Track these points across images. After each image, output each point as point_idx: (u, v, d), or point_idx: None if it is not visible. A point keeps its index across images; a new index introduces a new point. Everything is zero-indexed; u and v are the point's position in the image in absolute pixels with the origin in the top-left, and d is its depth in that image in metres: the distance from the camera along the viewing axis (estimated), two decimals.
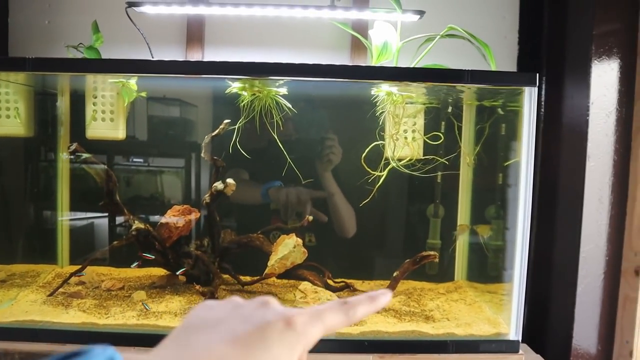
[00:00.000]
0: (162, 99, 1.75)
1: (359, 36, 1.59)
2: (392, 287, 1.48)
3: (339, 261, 1.73)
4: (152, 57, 1.65)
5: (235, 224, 1.72)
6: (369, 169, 1.50)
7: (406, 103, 1.50)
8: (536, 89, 1.29)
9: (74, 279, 1.51)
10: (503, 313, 1.42)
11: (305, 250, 1.50)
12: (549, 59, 1.62)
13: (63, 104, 1.65)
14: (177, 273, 1.52)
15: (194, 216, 1.55)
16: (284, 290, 1.58)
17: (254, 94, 1.47)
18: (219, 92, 1.55)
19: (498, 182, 1.58)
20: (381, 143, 1.51)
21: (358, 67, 1.50)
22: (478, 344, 1.33)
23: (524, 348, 1.40)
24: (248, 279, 1.56)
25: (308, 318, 0.45)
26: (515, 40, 1.76)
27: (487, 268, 1.64)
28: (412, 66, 1.46)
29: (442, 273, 1.72)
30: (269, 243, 1.57)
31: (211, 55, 1.75)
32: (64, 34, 1.72)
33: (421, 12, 1.54)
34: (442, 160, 1.57)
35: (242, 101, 1.48)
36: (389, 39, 1.43)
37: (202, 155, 1.50)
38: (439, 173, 1.64)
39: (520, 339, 1.34)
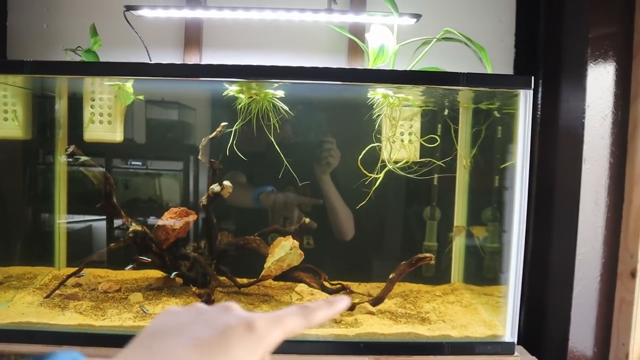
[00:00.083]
0: (160, 102, 1.76)
1: (355, 39, 1.59)
2: (388, 289, 1.48)
3: (336, 263, 1.73)
4: (150, 61, 1.65)
5: (232, 226, 1.73)
6: (365, 172, 1.50)
7: (403, 106, 1.50)
8: (531, 91, 1.30)
9: (70, 281, 1.51)
10: (499, 315, 1.42)
11: (302, 253, 1.50)
12: (545, 62, 1.63)
13: (61, 107, 1.65)
14: (171, 276, 1.52)
15: (191, 218, 1.55)
16: (281, 292, 1.58)
17: (251, 97, 1.47)
18: (217, 95, 1.56)
19: (494, 184, 1.58)
20: (378, 145, 1.51)
21: (354, 70, 1.51)
22: (474, 346, 1.33)
23: (519, 350, 1.40)
24: (245, 281, 1.56)
25: (268, 322, 0.47)
26: (512, 44, 1.76)
27: (484, 270, 1.64)
28: (408, 69, 1.46)
29: (439, 275, 1.72)
30: (265, 245, 1.57)
31: (209, 58, 1.76)
32: (62, 38, 1.72)
33: (418, 16, 1.55)
34: (439, 162, 1.58)
35: (239, 104, 1.49)
36: (386, 42, 1.43)
37: (200, 157, 1.50)
38: (436, 175, 1.64)
39: (515, 340, 1.35)
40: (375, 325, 1.38)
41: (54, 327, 1.32)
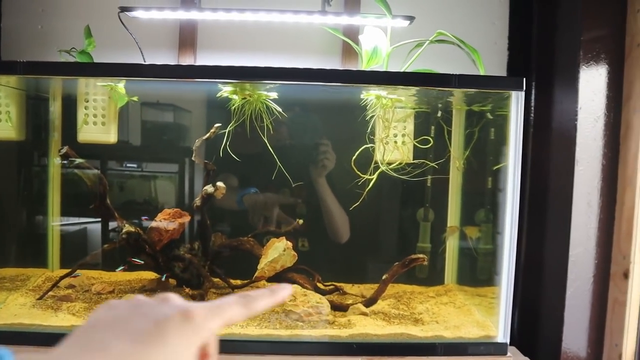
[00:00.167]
0: (154, 103, 1.76)
1: (349, 41, 1.60)
2: (381, 290, 1.48)
3: (329, 264, 1.73)
4: (144, 62, 1.65)
5: (227, 227, 1.73)
6: (359, 173, 1.51)
7: (396, 107, 1.51)
8: (523, 93, 1.30)
9: (63, 282, 1.51)
10: (492, 316, 1.42)
11: (295, 254, 1.50)
12: (538, 65, 1.63)
13: (55, 108, 1.65)
14: (163, 279, 1.52)
15: (184, 219, 1.55)
16: None
17: (245, 98, 1.48)
18: (211, 97, 1.56)
19: (487, 186, 1.59)
20: (371, 146, 1.51)
21: (347, 72, 1.51)
22: (466, 347, 1.33)
23: (512, 351, 1.41)
24: (238, 282, 1.56)
25: (207, 311, 0.46)
26: (505, 46, 1.77)
27: (477, 271, 1.64)
28: (401, 71, 1.47)
29: (432, 276, 1.72)
30: (259, 246, 1.57)
31: (203, 60, 1.76)
32: (57, 39, 1.72)
33: (411, 18, 1.55)
34: (432, 164, 1.58)
35: (233, 105, 1.49)
36: (379, 44, 1.44)
37: (193, 158, 1.50)
38: (429, 177, 1.65)
39: (508, 341, 1.35)
40: (368, 326, 1.38)
41: (46, 328, 1.31)
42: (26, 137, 1.62)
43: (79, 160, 1.46)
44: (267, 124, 1.49)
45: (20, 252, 1.77)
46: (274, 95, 1.47)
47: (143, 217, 1.59)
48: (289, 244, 1.50)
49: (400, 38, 1.50)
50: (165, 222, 1.53)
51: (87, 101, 1.50)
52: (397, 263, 1.47)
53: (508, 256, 1.35)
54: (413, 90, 1.43)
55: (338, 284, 1.59)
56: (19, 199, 1.78)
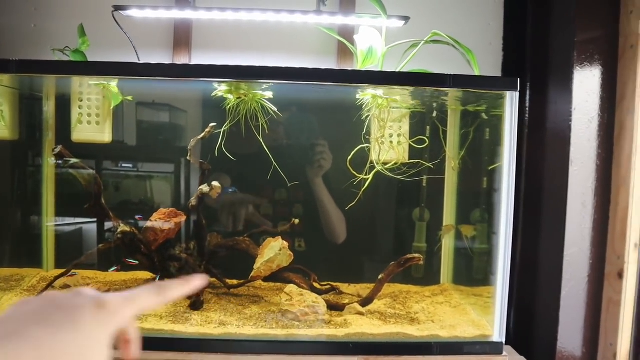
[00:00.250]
0: (148, 102, 1.75)
1: (344, 41, 1.60)
2: (377, 289, 1.48)
3: (325, 264, 1.73)
4: (139, 61, 1.65)
5: (223, 227, 1.72)
6: (354, 172, 1.51)
7: (391, 107, 1.51)
8: (517, 93, 1.31)
9: (58, 283, 1.50)
10: (488, 316, 1.43)
11: (291, 253, 1.50)
12: (533, 66, 1.64)
13: (49, 107, 1.64)
14: (156, 279, 1.52)
15: (180, 219, 1.55)
16: (270, 293, 1.58)
17: (240, 97, 1.47)
18: (206, 96, 1.56)
19: (482, 186, 1.59)
20: (367, 146, 1.51)
21: (342, 71, 1.51)
22: (462, 346, 1.34)
23: (508, 350, 1.41)
24: (235, 282, 1.55)
25: (120, 299, 0.49)
26: (500, 47, 1.78)
27: (473, 271, 1.65)
28: (396, 71, 1.47)
29: (428, 276, 1.72)
30: (255, 246, 1.57)
31: (198, 59, 1.76)
32: (50, 38, 1.71)
33: (406, 18, 1.55)
34: (428, 164, 1.58)
35: (228, 104, 1.49)
36: (374, 44, 1.44)
37: (188, 158, 1.50)
38: (425, 177, 1.65)
39: (504, 340, 1.36)
40: (364, 326, 1.38)
41: None
42: (20, 136, 1.61)
43: (73, 160, 1.45)
44: (262, 124, 1.49)
45: (14, 252, 1.76)
46: (269, 94, 1.47)
47: (137, 216, 1.58)
48: (285, 243, 1.50)
49: (396, 38, 1.51)
50: (160, 221, 1.52)
51: (82, 100, 1.49)
52: (393, 263, 1.47)
53: (503, 256, 1.35)
54: (408, 90, 1.44)
55: (334, 284, 1.59)
56: (13, 199, 1.76)
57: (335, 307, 1.47)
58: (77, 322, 0.45)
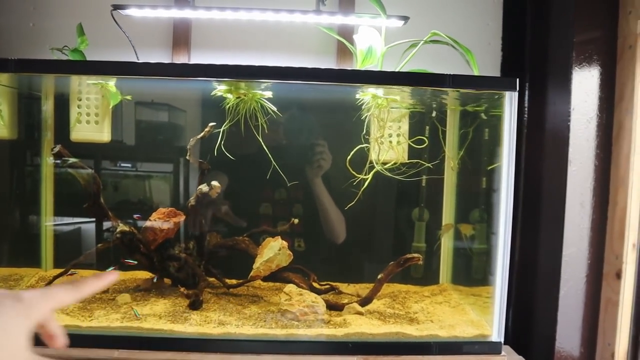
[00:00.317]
0: (148, 101, 1.75)
1: (344, 41, 1.60)
2: (376, 289, 1.48)
3: (325, 264, 1.73)
4: (138, 60, 1.64)
5: (223, 227, 1.72)
6: (353, 172, 1.51)
7: (391, 107, 1.51)
8: (516, 93, 1.31)
9: (57, 282, 1.50)
10: (487, 315, 1.43)
11: (291, 253, 1.51)
12: (531, 66, 1.64)
13: (47, 107, 1.64)
14: (154, 280, 1.52)
15: (179, 219, 1.55)
16: (270, 292, 1.58)
17: (239, 97, 1.47)
18: (205, 95, 1.56)
19: (481, 186, 1.60)
20: (366, 146, 1.52)
21: (341, 71, 1.51)
22: (461, 345, 1.34)
23: (506, 350, 1.41)
24: (234, 281, 1.55)
25: (38, 293, 0.54)
26: (499, 47, 1.78)
27: (472, 271, 1.65)
28: (396, 70, 1.47)
29: (427, 276, 1.73)
30: (254, 246, 1.57)
31: (197, 58, 1.75)
32: (49, 37, 1.71)
33: (405, 18, 1.56)
34: (427, 164, 1.59)
35: (227, 104, 1.48)
36: (374, 44, 1.44)
37: (188, 158, 1.50)
38: (424, 177, 1.65)
39: (502, 340, 1.36)
40: (363, 326, 1.38)
41: None
42: (18, 136, 1.60)
43: (72, 160, 1.45)
44: (261, 123, 1.49)
45: (13, 251, 1.75)
46: (268, 94, 1.47)
47: (135, 215, 1.58)
48: (285, 243, 1.50)
49: (395, 38, 1.51)
50: (159, 221, 1.52)
51: (80, 100, 1.49)
52: (392, 262, 1.48)
53: (502, 256, 1.35)
54: (407, 90, 1.44)
55: (333, 284, 1.60)
56: (12, 198, 1.76)
57: (334, 307, 1.48)
58: None
